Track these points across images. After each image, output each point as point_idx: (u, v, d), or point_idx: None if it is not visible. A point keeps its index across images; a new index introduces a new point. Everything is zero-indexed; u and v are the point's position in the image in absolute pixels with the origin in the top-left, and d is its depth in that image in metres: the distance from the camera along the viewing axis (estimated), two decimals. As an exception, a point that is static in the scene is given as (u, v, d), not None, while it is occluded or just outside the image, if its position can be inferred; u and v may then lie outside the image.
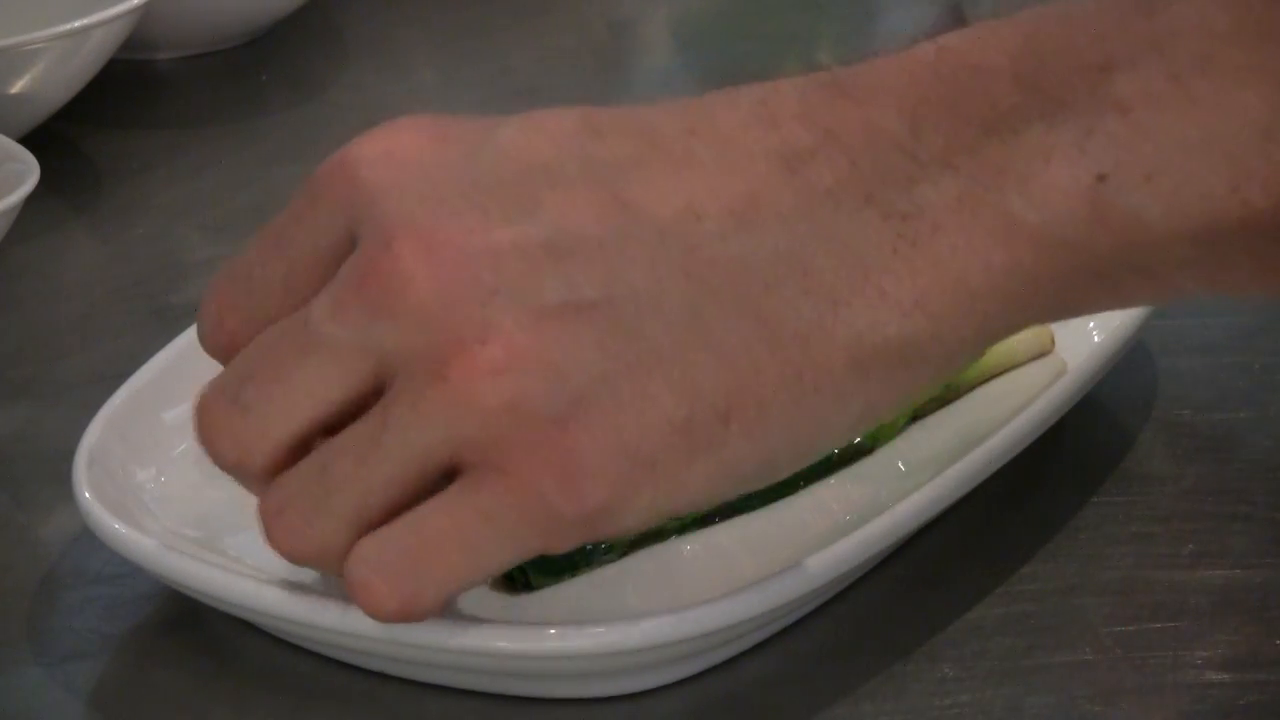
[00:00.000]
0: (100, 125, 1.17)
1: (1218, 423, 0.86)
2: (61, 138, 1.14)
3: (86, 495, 0.72)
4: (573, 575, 0.73)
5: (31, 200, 0.94)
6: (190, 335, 0.82)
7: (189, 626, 0.73)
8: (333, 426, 0.63)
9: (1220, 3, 0.60)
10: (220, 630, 0.73)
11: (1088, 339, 0.83)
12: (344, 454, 0.62)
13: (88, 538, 0.72)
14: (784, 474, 0.64)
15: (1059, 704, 0.70)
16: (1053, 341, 0.84)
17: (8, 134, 1.00)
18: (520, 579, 0.72)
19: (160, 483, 0.76)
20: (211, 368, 0.81)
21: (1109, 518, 0.79)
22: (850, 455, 0.79)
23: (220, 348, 0.67)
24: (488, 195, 0.62)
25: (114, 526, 0.71)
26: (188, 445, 0.78)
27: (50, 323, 0.98)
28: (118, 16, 1.09)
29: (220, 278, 0.67)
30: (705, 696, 0.70)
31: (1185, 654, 0.72)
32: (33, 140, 1.01)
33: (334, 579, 0.70)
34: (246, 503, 0.76)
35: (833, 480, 0.78)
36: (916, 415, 0.81)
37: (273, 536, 0.64)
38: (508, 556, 0.63)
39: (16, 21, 1.12)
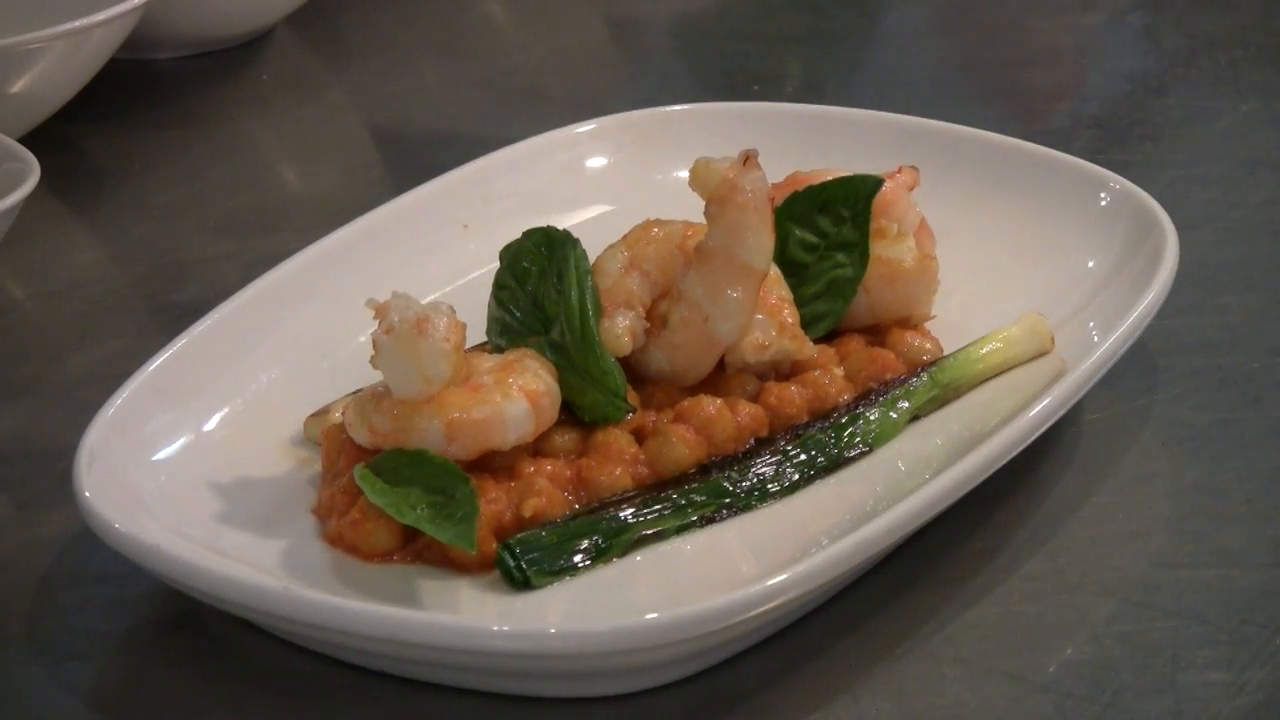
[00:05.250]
0: (100, 125, 1.17)
1: (1217, 422, 0.86)
2: (61, 138, 1.14)
3: (86, 495, 0.72)
4: (573, 575, 0.73)
5: (31, 200, 0.94)
6: (190, 335, 0.82)
7: (189, 626, 0.73)
8: None
9: None
10: (220, 630, 0.73)
11: (1088, 339, 0.83)
12: None
13: (88, 538, 0.72)
14: None
15: (1059, 704, 0.70)
16: (1053, 341, 0.84)
17: (8, 134, 1.00)
18: (520, 578, 0.72)
19: (160, 483, 0.76)
20: (210, 367, 0.81)
21: (1109, 518, 0.80)
22: (850, 455, 0.79)
23: None
24: None
25: (114, 526, 0.71)
26: (188, 445, 0.78)
27: (50, 323, 0.98)
28: (118, 16, 1.09)
29: None
30: (705, 696, 0.70)
31: (1185, 654, 0.72)
32: (33, 140, 1.01)
33: (331, 579, 0.70)
34: (247, 502, 0.77)
35: (833, 480, 0.78)
36: (916, 415, 0.81)
37: None
38: None
39: (16, 21, 1.12)
